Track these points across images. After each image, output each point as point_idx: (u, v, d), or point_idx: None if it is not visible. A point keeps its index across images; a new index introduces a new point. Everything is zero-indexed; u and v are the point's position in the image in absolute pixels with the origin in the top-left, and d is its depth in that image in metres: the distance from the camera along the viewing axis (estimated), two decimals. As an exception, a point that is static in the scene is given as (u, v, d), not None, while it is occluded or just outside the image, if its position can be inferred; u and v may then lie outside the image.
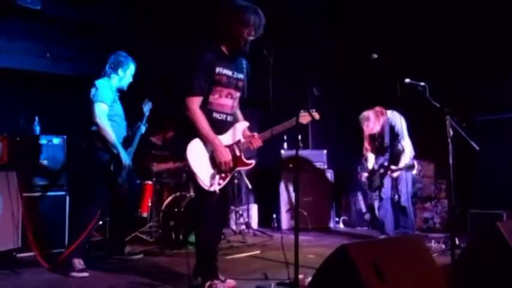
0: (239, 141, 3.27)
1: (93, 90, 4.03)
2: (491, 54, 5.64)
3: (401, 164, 5.13)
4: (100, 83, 4.08)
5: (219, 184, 3.14)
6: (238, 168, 3.29)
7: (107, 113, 4.04)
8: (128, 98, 4.40)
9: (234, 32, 3.10)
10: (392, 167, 5.15)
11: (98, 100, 3.99)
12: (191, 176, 3.16)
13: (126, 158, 4.06)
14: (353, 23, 6.56)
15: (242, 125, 3.34)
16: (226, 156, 3.13)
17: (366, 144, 5.46)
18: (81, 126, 4.08)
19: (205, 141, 3.14)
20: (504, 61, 5.56)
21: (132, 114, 4.49)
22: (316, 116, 3.31)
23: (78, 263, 3.79)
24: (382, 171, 5.25)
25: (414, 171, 5.26)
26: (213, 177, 3.11)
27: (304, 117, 3.29)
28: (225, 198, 3.33)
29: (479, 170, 5.73)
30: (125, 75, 4.27)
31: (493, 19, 5.57)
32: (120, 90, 4.30)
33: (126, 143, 4.26)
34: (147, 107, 4.55)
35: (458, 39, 5.87)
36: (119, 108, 4.23)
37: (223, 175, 3.18)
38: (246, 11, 3.08)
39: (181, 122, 3.19)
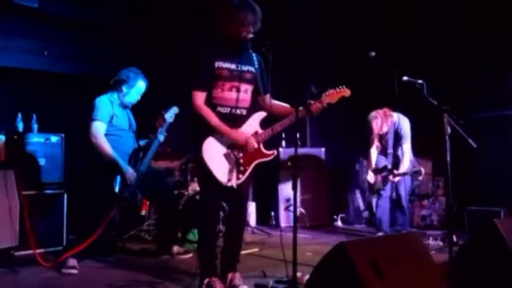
0: (256, 132, 3.21)
1: (92, 110, 4.05)
2: (489, 52, 5.64)
3: (403, 169, 5.15)
4: (98, 101, 4.09)
5: (239, 179, 3.12)
6: (258, 161, 3.20)
7: (106, 129, 4.04)
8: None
9: (232, 31, 3.09)
10: (395, 172, 5.16)
11: (92, 119, 4.00)
12: (205, 174, 3.13)
13: (129, 172, 4.03)
14: (352, 21, 6.56)
15: (259, 116, 3.26)
16: (242, 140, 3.12)
17: (376, 142, 5.46)
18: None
19: (219, 134, 3.11)
20: (502, 59, 5.57)
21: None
22: (347, 92, 3.23)
23: (72, 261, 3.82)
24: (385, 173, 5.26)
25: (420, 178, 5.27)
26: (230, 172, 3.09)
27: (332, 95, 3.21)
28: (239, 195, 3.29)
29: (476, 167, 5.75)
30: (129, 92, 4.19)
31: (492, 17, 5.57)
32: (124, 106, 4.27)
33: (138, 153, 4.22)
34: (170, 113, 4.35)
35: (457, 37, 5.87)
36: (122, 122, 4.19)
37: (241, 169, 3.14)
38: (242, 10, 3.06)
39: (194, 122, 3.17)
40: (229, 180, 3.08)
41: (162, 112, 4.31)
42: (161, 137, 4.31)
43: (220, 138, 3.14)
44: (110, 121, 4.08)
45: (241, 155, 3.16)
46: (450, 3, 5.82)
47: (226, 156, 3.13)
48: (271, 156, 3.24)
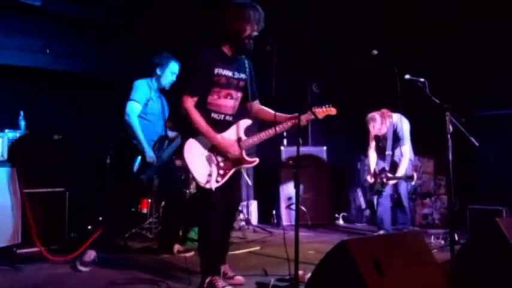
0: (240, 139, 3.24)
1: (131, 90, 4.23)
2: (490, 51, 5.63)
3: (401, 171, 5.16)
4: (137, 82, 4.26)
5: (217, 182, 3.13)
6: (239, 167, 3.24)
7: (140, 111, 4.19)
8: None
9: (236, 30, 3.11)
10: (389, 175, 5.19)
11: (130, 99, 4.17)
12: (189, 173, 3.19)
13: (150, 155, 4.13)
14: (353, 20, 6.55)
15: (244, 123, 3.30)
16: (228, 147, 3.15)
17: (372, 144, 5.48)
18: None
19: (205, 138, 3.14)
20: (503, 58, 5.56)
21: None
22: (333, 111, 3.33)
23: (88, 257, 3.88)
24: (383, 176, 5.26)
25: (413, 183, 5.30)
26: (209, 174, 3.11)
27: (319, 114, 3.29)
28: (230, 197, 3.31)
29: (478, 166, 5.74)
30: (164, 74, 4.33)
31: (493, 17, 5.56)
32: (161, 90, 4.40)
33: (163, 141, 4.32)
34: None
35: (458, 37, 5.86)
36: (155, 107, 4.32)
37: (221, 172, 3.16)
38: (245, 8, 3.09)
39: (183, 122, 3.19)
40: (207, 182, 3.09)
41: None
42: None
43: (203, 140, 3.16)
44: (145, 104, 4.23)
45: (222, 159, 3.18)
46: (450, 3, 5.81)
47: (208, 158, 3.15)
48: (253, 164, 3.28)
